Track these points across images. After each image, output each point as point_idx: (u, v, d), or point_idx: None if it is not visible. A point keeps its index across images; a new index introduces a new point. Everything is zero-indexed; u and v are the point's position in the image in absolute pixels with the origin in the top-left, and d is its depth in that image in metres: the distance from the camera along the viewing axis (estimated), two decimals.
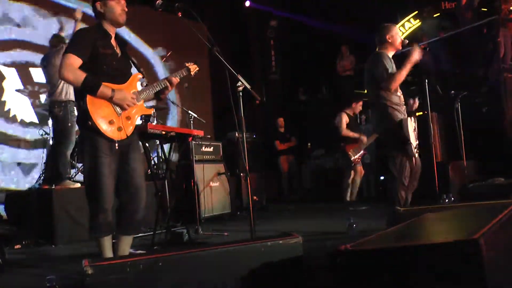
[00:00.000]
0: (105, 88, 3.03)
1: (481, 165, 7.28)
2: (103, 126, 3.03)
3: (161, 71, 10.48)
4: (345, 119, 7.44)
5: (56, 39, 6.28)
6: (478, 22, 8.34)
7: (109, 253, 3.20)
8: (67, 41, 6.12)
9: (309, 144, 11.22)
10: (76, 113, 5.24)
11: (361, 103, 7.48)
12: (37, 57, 8.31)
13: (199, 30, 3.38)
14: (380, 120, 4.44)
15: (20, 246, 5.20)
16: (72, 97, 5.97)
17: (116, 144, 3.08)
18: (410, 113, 4.63)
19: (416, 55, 4.29)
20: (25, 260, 4.59)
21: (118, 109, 3.11)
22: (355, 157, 7.28)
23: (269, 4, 11.76)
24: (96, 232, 3.16)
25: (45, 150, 6.99)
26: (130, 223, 3.27)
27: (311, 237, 4.55)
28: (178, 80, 3.51)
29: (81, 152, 5.56)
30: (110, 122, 3.06)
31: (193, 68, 3.69)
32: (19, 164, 7.81)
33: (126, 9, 3.25)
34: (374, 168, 8.75)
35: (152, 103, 6.99)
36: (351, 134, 7.34)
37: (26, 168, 7.83)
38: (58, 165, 5.88)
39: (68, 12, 9.00)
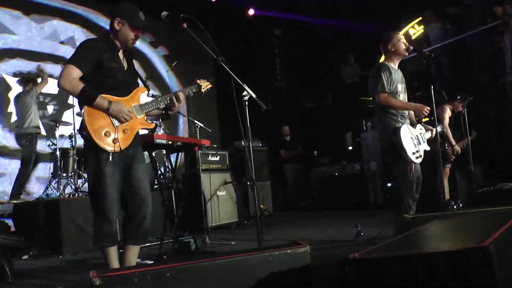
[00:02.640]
0: (102, 99, 3.03)
1: (488, 170, 7.23)
2: (97, 137, 3.02)
3: (168, 79, 10.56)
4: (448, 112, 6.74)
5: (24, 79, 7.12)
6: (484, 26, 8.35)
7: (115, 263, 3.19)
8: (39, 80, 7.10)
9: (315, 151, 11.22)
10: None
11: (462, 103, 6.58)
12: (43, 67, 8.35)
13: (204, 40, 3.39)
14: (379, 128, 4.51)
15: (27, 257, 5.22)
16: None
17: (110, 156, 3.06)
18: (418, 121, 4.64)
19: (423, 112, 4.35)
20: (33, 270, 4.59)
21: (115, 121, 3.10)
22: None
23: (273, 10, 11.80)
24: (100, 242, 3.16)
25: (52, 162, 7.01)
26: (138, 232, 3.26)
27: (319, 246, 4.54)
28: (186, 96, 3.50)
29: (86, 163, 5.65)
30: (105, 134, 3.05)
31: (205, 85, 3.65)
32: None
33: (140, 37, 3.27)
34: (381, 175, 8.72)
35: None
36: (450, 136, 6.60)
37: (33, 181, 7.83)
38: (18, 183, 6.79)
39: (77, 20, 9.12)
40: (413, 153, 4.26)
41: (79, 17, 9.22)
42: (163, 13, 3.22)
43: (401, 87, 4.43)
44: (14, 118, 7.85)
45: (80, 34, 9.06)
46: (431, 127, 4.66)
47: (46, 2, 8.75)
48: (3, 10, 8.10)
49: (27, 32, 8.37)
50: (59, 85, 3.06)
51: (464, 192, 6.65)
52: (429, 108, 4.39)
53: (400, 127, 4.27)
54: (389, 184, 8.28)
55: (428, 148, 4.48)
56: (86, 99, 3.04)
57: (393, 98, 4.32)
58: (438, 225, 2.92)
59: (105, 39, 3.27)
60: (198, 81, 3.65)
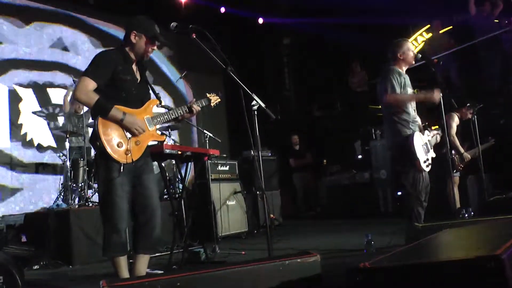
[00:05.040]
0: (116, 111, 3.08)
1: (500, 179, 7.17)
2: (110, 148, 3.06)
3: (179, 87, 10.61)
4: (455, 120, 6.66)
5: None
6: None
7: (125, 273, 3.20)
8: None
9: (324, 160, 11.19)
10: None
11: (471, 111, 6.54)
12: (55, 77, 8.40)
13: (213, 50, 3.41)
14: (389, 135, 4.48)
15: (38, 267, 5.23)
16: None
17: (122, 167, 3.09)
18: (425, 127, 4.61)
19: (435, 98, 4.32)
20: (43, 281, 4.61)
21: (127, 133, 3.14)
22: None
23: (282, 18, 11.84)
24: (109, 252, 3.17)
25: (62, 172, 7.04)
26: (149, 242, 3.28)
27: (329, 255, 4.52)
28: (199, 108, 3.54)
29: (96, 173, 5.70)
30: (118, 145, 3.09)
31: (214, 99, 3.71)
32: (36, 189, 7.87)
33: (155, 49, 3.32)
34: (391, 183, 8.67)
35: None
36: (457, 144, 6.53)
37: (43, 192, 7.88)
38: None
39: (89, 30, 9.18)
40: (424, 162, 4.24)
41: (89, 26, 9.29)
42: (172, 23, 3.25)
43: (410, 91, 4.42)
44: (24, 130, 7.91)
45: (90, 44, 9.14)
46: (436, 131, 4.63)
47: (57, 11, 8.79)
48: (13, 19, 8.15)
49: (38, 42, 8.42)
50: (75, 97, 3.14)
51: (475, 200, 6.59)
52: (440, 93, 4.36)
53: (413, 134, 4.25)
54: (399, 193, 8.24)
55: (434, 155, 4.45)
56: (101, 110, 3.08)
57: (400, 94, 4.28)
58: (449, 234, 2.89)
59: (120, 51, 3.30)
60: (208, 95, 3.69)
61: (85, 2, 9.10)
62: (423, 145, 4.33)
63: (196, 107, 3.51)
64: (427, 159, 4.30)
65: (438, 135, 4.62)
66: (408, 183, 4.28)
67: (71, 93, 7.51)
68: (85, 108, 7.26)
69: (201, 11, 10.17)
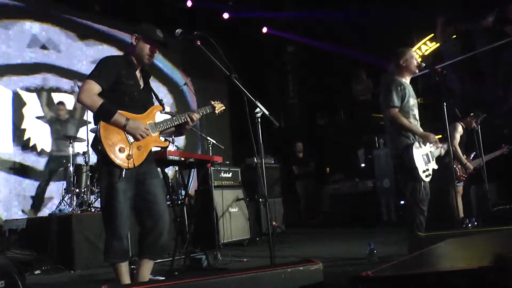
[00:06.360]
0: (120, 116, 3.08)
1: (504, 189, 7.14)
2: (111, 152, 3.05)
3: (185, 94, 10.65)
4: (459, 130, 6.64)
5: None
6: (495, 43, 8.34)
7: (126, 279, 3.19)
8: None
9: (327, 168, 11.18)
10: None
11: (475, 120, 6.51)
12: (59, 81, 8.42)
13: (217, 57, 3.41)
14: (391, 144, 4.48)
15: (40, 272, 5.24)
16: None
17: (124, 172, 3.09)
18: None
19: (427, 140, 4.31)
20: (45, 285, 4.61)
21: (130, 137, 3.14)
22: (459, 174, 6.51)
23: (285, 30, 11.88)
24: (110, 258, 3.16)
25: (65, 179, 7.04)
26: (156, 248, 3.26)
27: (331, 263, 4.51)
28: (200, 116, 3.53)
29: (98, 178, 5.72)
30: (120, 150, 3.08)
31: (219, 106, 3.70)
32: (39, 195, 7.87)
33: (156, 52, 3.35)
34: (393, 192, 8.65)
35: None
36: (459, 154, 6.48)
37: (46, 197, 7.87)
38: None
39: (95, 34, 9.21)
40: (423, 172, 4.23)
41: (98, 32, 9.32)
42: (177, 30, 3.26)
43: (413, 101, 4.42)
44: (27, 135, 7.92)
45: (95, 50, 9.17)
46: (441, 144, 4.62)
47: (63, 16, 8.83)
48: (20, 23, 8.17)
49: (43, 47, 8.43)
50: (78, 99, 3.12)
51: (479, 210, 6.57)
52: (437, 140, 4.36)
53: (412, 144, 4.24)
54: (402, 202, 8.22)
55: (436, 167, 4.42)
56: (104, 115, 3.08)
57: (403, 117, 4.30)
58: (452, 244, 2.88)
59: (124, 57, 3.36)
60: (212, 102, 3.69)
61: (90, 8, 9.15)
62: (424, 155, 4.31)
63: (196, 116, 3.49)
64: (427, 170, 4.28)
65: (442, 149, 4.61)
66: (409, 193, 4.27)
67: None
68: (79, 113, 7.36)
69: (205, 18, 10.21)
